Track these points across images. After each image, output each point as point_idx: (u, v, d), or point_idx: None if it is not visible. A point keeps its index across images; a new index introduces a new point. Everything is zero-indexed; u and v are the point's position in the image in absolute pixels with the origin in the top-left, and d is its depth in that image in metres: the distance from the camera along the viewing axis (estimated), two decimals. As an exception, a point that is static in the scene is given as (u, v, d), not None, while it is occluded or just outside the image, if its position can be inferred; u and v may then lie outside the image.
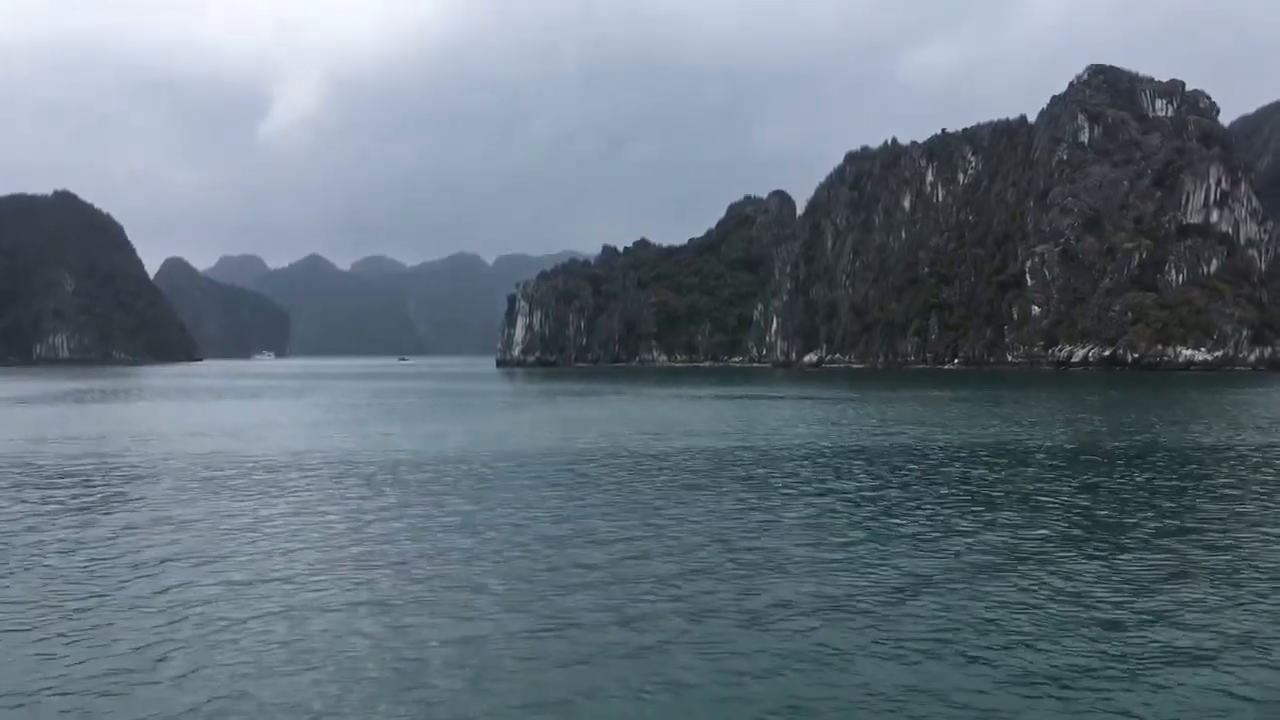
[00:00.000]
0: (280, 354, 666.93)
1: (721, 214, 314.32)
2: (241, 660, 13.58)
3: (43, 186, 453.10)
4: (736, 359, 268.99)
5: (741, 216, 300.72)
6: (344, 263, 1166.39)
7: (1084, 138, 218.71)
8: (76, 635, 14.78)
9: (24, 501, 27.34)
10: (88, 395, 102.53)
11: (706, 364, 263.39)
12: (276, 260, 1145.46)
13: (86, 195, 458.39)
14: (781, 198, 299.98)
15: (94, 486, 30.53)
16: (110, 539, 21.96)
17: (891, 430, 52.03)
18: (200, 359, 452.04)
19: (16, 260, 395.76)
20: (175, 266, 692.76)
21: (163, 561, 19.53)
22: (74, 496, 28.35)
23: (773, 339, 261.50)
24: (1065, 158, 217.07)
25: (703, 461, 37.14)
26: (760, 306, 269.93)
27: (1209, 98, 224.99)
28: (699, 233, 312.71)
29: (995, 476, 32.55)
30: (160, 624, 15.25)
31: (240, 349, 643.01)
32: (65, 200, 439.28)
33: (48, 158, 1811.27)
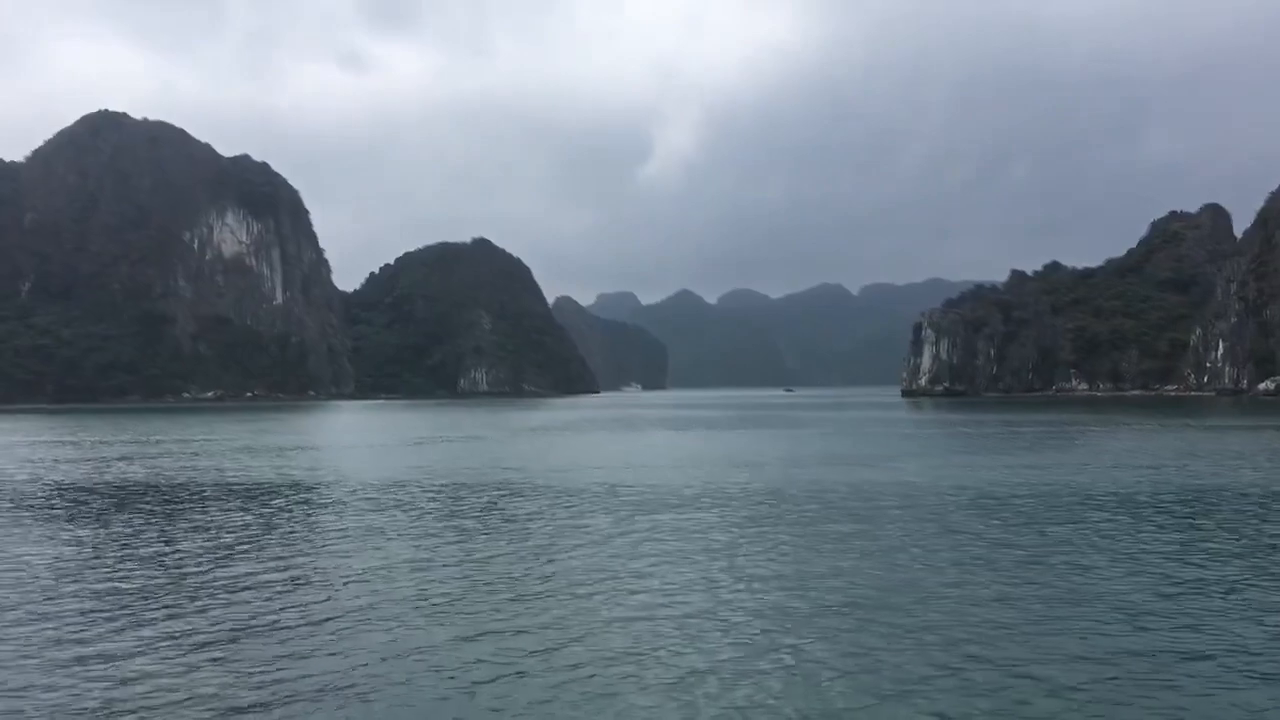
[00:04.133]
0: (648, 386, 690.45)
1: (1114, 230, 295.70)
2: None
3: (461, 235, 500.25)
4: (1170, 387, 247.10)
5: (1168, 234, 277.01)
6: (712, 296, 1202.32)
7: None
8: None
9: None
10: (581, 426, 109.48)
11: (1134, 393, 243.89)
12: (648, 296, 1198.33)
13: (496, 241, 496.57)
14: (1215, 211, 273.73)
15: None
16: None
17: None
18: (598, 391, 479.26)
19: (444, 303, 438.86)
20: (565, 304, 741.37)
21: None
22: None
23: (1218, 365, 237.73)
24: None
25: None
26: (1199, 330, 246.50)
27: None
28: (1093, 253, 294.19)
29: None
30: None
31: (618, 381, 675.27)
32: (482, 246, 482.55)
33: (462, 209, 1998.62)
